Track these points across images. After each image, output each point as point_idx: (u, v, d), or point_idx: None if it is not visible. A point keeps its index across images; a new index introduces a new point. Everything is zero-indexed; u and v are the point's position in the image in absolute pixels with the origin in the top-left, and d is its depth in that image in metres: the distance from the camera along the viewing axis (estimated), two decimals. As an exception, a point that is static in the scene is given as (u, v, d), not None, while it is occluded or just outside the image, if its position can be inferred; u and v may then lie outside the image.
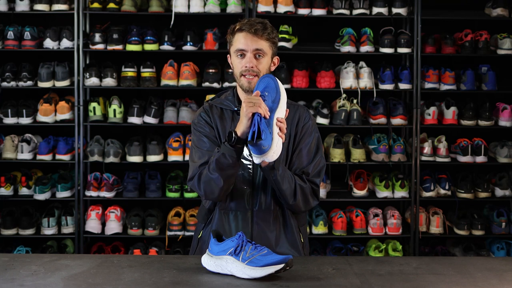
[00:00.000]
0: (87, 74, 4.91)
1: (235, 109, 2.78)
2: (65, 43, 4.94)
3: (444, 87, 5.02)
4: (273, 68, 2.81)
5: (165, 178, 5.04)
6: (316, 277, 2.35)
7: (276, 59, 2.82)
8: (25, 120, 4.94)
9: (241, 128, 2.54)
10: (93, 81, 4.91)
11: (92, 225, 4.85)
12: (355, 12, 4.96)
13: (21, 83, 4.95)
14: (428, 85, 5.02)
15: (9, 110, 4.92)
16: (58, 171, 5.11)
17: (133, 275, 2.37)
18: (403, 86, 4.99)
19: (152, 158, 4.92)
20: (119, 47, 4.94)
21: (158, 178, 5.00)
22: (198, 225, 2.90)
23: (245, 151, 2.72)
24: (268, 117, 2.51)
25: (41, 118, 4.92)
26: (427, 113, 5.02)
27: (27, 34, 4.90)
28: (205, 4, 4.93)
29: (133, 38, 4.91)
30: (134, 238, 4.97)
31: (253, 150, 2.50)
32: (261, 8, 4.87)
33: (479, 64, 5.17)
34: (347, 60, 5.07)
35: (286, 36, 4.93)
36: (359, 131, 5.17)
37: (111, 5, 4.89)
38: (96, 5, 4.88)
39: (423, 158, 5.00)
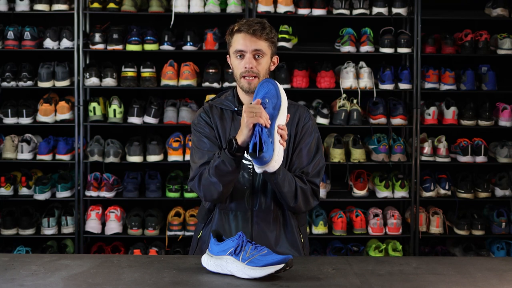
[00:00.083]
0: (87, 74, 4.91)
1: (235, 109, 2.78)
2: (65, 43, 4.94)
3: (444, 87, 5.02)
4: (272, 68, 2.81)
5: (165, 178, 5.04)
6: (316, 277, 2.34)
7: (275, 59, 2.82)
8: (25, 120, 4.94)
9: (241, 137, 2.54)
10: (93, 81, 4.91)
11: (92, 225, 4.85)
12: (355, 12, 4.96)
13: (21, 83, 4.95)
14: (428, 85, 5.02)
15: (9, 110, 4.92)
16: (58, 171, 5.11)
17: (133, 275, 2.37)
18: (403, 86, 4.99)
19: (152, 158, 4.92)
20: (119, 47, 4.94)
21: (158, 178, 5.00)
22: (198, 225, 2.90)
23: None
24: (269, 126, 2.50)
25: (41, 118, 4.92)
26: (427, 113, 5.02)
27: (27, 34, 4.90)
28: (205, 4, 4.93)
29: (133, 38, 4.91)
30: (134, 238, 4.97)
31: (255, 161, 2.51)
32: (261, 8, 4.87)
33: (479, 64, 5.17)
34: (347, 60, 5.07)
35: (286, 36, 4.93)
36: (359, 131, 5.17)
37: (111, 5, 4.89)
38: (96, 5, 4.88)
39: (423, 158, 5.00)
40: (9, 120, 4.94)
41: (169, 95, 5.21)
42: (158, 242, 4.96)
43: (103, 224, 4.91)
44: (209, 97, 4.86)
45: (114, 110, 4.92)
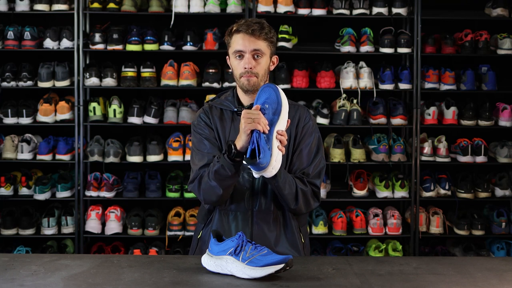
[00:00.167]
0: (87, 74, 4.91)
1: (235, 109, 2.78)
2: (65, 43, 4.94)
3: (444, 87, 5.02)
4: (272, 68, 2.80)
5: (165, 178, 5.04)
6: (316, 277, 2.34)
7: (275, 58, 2.81)
8: (25, 120, 4.94)
9: (240, 143, 2.53)
10: (93, 81, 4.91)
11: (92, 225, 4.85)
12: (355, 12, 4.96)
13: (21, 83, 4.95)
14: (428, 85, 5.02)
15: (9, 110, 4.92)
16: (58, 171, 5.11)
17: (133, 275, 2.37)
18: (403, 86, 4.99)
19: (152, 158, 4.92)
20: (119, 47, 4.94)
21: (158, 178, 5.00)
22: (198, 225, 2.90)
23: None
24: (267, 132, 2.50)
25: (41, 118, 4.92)
26: (427, 113, 5.02)
27: (27, 34, 4.90)
28: (205, 4, 4.93)
29: (133, 38, 4.91)
30: (134, 238, 4.97)
31: (252, 167, 2.51)
32: (261, 8, 4.87)
33: (479, 64, 5.17)
34: (347, 60, 5.07)
35: (286, 36, 4.93)
36: (359, 131, 5.17)
37: (111, 5, 4.89)
38: (96, 5, 4.88)
39: (423, 158, 5.00)
40: (9, 120, 4.94)
41: (169, 95, 5.21)
42: (158, 242, 4.95)
43: (103, 224, 4.91)
44: (209, 97, 4.86)
45: (114, 110, 4.92)
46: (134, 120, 4.94)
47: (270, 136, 2.50)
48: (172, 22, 4.91)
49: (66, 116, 4.93)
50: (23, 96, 5.13)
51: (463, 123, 5.04)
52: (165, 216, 5.05)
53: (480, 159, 4.97)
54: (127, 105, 5.02)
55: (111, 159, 4.90)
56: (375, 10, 4.98)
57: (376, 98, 5.01)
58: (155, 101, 4.99)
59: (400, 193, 4.96)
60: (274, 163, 2.49)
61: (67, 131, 5.10)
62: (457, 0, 5.26)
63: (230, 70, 2.80)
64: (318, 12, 4.95)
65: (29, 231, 4.87)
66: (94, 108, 4.90)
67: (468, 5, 5.23)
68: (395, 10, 5.00)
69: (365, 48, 4.97)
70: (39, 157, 4.91)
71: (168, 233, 4.90)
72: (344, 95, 4.98)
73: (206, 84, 4.92)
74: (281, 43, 4.91)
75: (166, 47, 4.95)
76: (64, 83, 4.95)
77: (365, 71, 5.00)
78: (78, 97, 4.91)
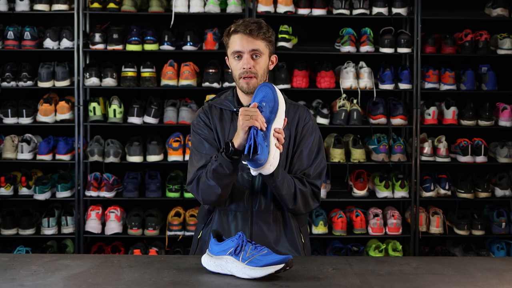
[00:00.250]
0: (87, 74, 4.91)
1: (234, 109, 2.77)
2: (65, 43, 4.94)
3: (444, 87, 5.02)
4: (271, 67, 2.80)
5: (165, 178, 5.04)
6: (316, 277, 2.35)
7: (274, 58, 2.80)
8: (25, 120, 4.94)
9: (238, 140, 2.54)
10: (93, 81, 4.91)
11: (92, 225, 4.85)
12: (355, 12, 4.96)
13: (21, 83, 4.95)
14: (428, 85, 5.02)
15: (9, 110, 4.92)
16: (58, 171, 5.11)
17: (133, 275, 2.37)
18: (403, 86, 4.99)
19: (152, 158, 4.92)
20: (119, 47, 4.94)
21: (158, 178, 5.00)
22: (198, 226, 2.90)
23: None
24: (265, 129, 2.50)
25: (41, 118, 4.92)
26: (427, 113, 5.02)
27: (27, 34, 4.90)
28: (205, 4, 4.93)
29: (133, 38, 4.91)
30: (134, 238, 4.97)
31: (250, 163, 2.51)
32: (261, 8, 4.87)
33: (479, 64, 5.17)
34: (347, 60, 5.07)
35: (286, 36, 4.93)
36: (359, 131, 5.17)
37: (111, 5, 4.89)
38: (96, 5, 4.88)
39: (423, 158, 5.00)
40: (9, 120, 4.94)
41: (169, 95, 5.21)
42: (158, 242, 4.95)
43: (103, 224, 4.91)
44: (209, 97, 4.86)
45: (114, 110, 4.92)
46: (134, 120, 4.94)
47: (267, 133, 2.51)
48: (172, 22, 4.91)
49: (66, 116, 4.93)
50: (23, 96, 5.13)
51: (463, 123, 5.04)
52: (165, 216, 5.05)
53: (480, 159, 4.97)
54: (127, 105, 5.02)
55: (111, 159, 4.90)
56: (375, 10, 4.98)
57: (376, 98, 5.01)
58: (155, 101, 4.99)
59: (400, 193, 4.96)
60: (272, 160, 2.49)
61: (67, 131, 5.10)
62: (457, 0, 5.26)
63: (230, 70, 2.80)
64: (318, 12, 4.95)
65: (29, 231, 4.87)
66: (94, 108, 4.91)
67: (468, 5, 5.23)
68: (395, 10, 5.00)
69: (365, 48, 4.97)
70: (39, 157, 4.91)
71: (168, 233, 4.90)
72: (344, 95, 4.98)
73: (206, 84, 4.92)
74: (281, 43, 4.91)
75: (166, 47, 4.95)
76: (64, 83, 4.95)
77: (365, 71, 5.00)
78: (78, 97, 4.91)
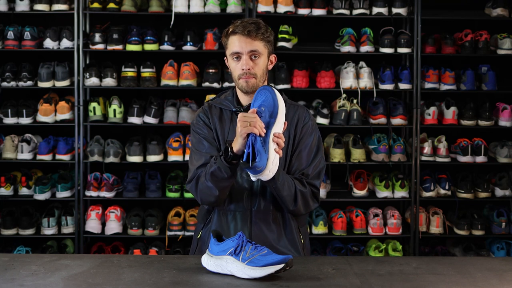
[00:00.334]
0: (87, 74, 4.91)
1: (234, 109, 2.77)
2: (65, 43, 4.94)
3: (444, 87, 5.02)
4: (270, 67, 2.79)
5: (165, 178, 5.04)
6: (316, 277, 2.34)
7: (273, 58, 2.80)
8: (25, 120, 4.94)
9: (236, 146, 2.53)
10: (93, 81, 4.91)
11: (92, 225, 4.85)
12: (355, 12, 4.96)
13: (21, 83, 4.95)
14: (428, 85, 5.02)
15: (9, 110, 4.92)
16: (58, 171, 5.11)
17: (133, 275, 2.37)
18: (403, 86, 4.99)
19: (152, 158, 4.92)
20: (119, 47, 4.94)
21: (158, 178, 5.00)
22: (197, 226, 2.90)
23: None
24: (264, 135, 2.48)
25: (41, 118, 4.92)
26: (427, 113, 5.02)
27: (27, 34, 4.90)
28: (205, 4, 4.93)
29: (133, 38, 4.91)
30: (134, 238, 4.97)
31: (249, 170, 2.50)
32: (261, 8, 4.87)
33: (479, 64, 5.17)
34: (347, 60, 5.07)
35: (286, 36, 4.93)
36: (359, 131, 5.17)
37: (111, 5, 4.89)
38: (96, 5, 4.88)
39: (423, 158, 5.00)
40: (9, 120, 4.94)
41: (169, 95, 5.21)
42: (158, 242, 4.95)
43: (103, 224, 4.91)
44: (209, 97, 4.86)
45: (114, 110, 4.92)
46: (134, 120, 4.94)
47: (266, 139, 2.49)
48: (172, 22, 4.91)
49: (66, 116, 4.93)
50: (23, 96, 5.13)
51: (463, 123, 5.04)
52: (165, 216, 5.05)
53: (480, 159, 4.97)
54: (127, 105, 5.02)
55: (111, 159, 4.90)
56: (375, 10, 4.98)
57: (376, 98, 5.01)
58: (155, 101, 4.99)
59: (400, 193, 4.96)
60: (271, 166, 2.48)
61: (67, 131, 5.10)
62: (457, 0, 5.26)
63: (229, 70, 2.80)
64: (318, 12, 4.95)
65: (29, 231, 4.87)
66: (94, 108, 4.91)
67: (468, 5, 5.23)
68: (395, 10, 5.00)
69: (365, 48, 4.97)
70: (39, 157, 4.91)
71: (168, 233, 4.90)
72: (344, 95, 4.98)
73: (206, 84, 4.92)
74: (281, 43, 4.91)
75: (166, 47, 4.95)
76: (64, 83, 4.95)
77: (365, 71, 5.00)
78: (78, 97, 4.91)
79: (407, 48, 4.97)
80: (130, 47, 4.93)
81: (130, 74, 4.94)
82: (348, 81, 4.96)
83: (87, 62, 5.07)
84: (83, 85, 4.92)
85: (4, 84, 4.95)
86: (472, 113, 5.02)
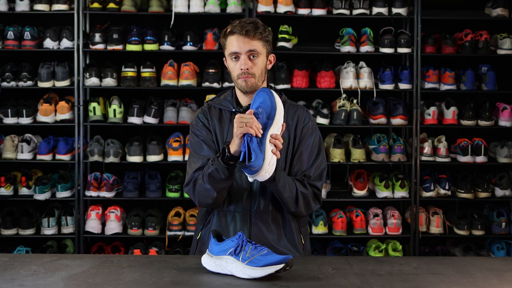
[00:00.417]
0: (87, 74, 4.91)
1: (233, 110, 2.77)
2: (65, 43, 4.94)
3: (444, 87, 5.02)
4: (269, 67, 2.78)
5: (165, 178, 5.04)
6: (316, 277, 2.34)
7: (272, 57, 2.79)
8: (25, 120, 4.94)
9: (233, 147, 2.54)
10: (93, 81, 4.91)
11: (92, 225, 4.85)
12: (355, 12, 4.96)
13: (21, 83, 4.95)
14: (428, 85, 5.02)
15: (9, 110, 4.92)
16: (58, 171, 5.11)
17: (133, 275, 2.37)
18: (403, 86, 4.99)
19: (152, 158, 4.92)
20: (119, 47, 4.94)
21: (158, 178, 5.00)
22: (197, 226, 2.89)
23: None
24: (260, 135, 2.48)
25: (41, 118, 4.92)
26: (427, 113, 5.02)
27: (27, 34, 4.90)
28: (205, 4, 4.93)
29: (133, 38, 4.91)
30: (134, 238, 4.97)
31: (245, 170, 2.50)
32: (261, 8, 4.87)
33: (479, 64, 5.17)
34: (347, 60, 5.07)
35: (286, 36, 4.93)
36: (359, 131, 5.17)
37: (111, 5, 4.89)
38: (96, 5, 4.88)
39: (423, 158, 5.00)
40: (9, 120, 4.94)
41: (169, 95, 5.21)
42: (158, 242, 4.95)
43: (103, 224, 4.91)
44: (209, 97, 4.86)
45: (114, 110, 4.92)
46: (134, 120, 4.94)
47: (263, 139, 2.49)
48: (172, 22, 4.91)
49: (66, 116, 4.93)
50: (23, 96, 5.13)
51: (463, 123, 5.04)
52: (165, 216, 5.05)
53: (480, 159, 4.97)
54: (127, 105, 5.02)
55: (111, 159, 4.90)
56: (375, 10, 4.98)
57: (376, 98, 5.01)
58: (155, 101, 4.99)
59: (400, 193, 4.96)
60: (267, 167, 2.48)
61: (67, 131, 5.10)
62: (457, 0, 5.26)
63: (229, 71, 2.80)
64: (318, 12, 4.95)
65: (29, 231, 4.87)
66: (94, 108, 4.91)
67: (468, 5, 5.23)
68: (395, 10, 5.00)
69: (365, 48, 4.97)
70: (39, 157, 4.91)
71: (168, 233, 4.90)
72: (344, 95, 4.98)
73: (206, 84, 4.92)
74: (281, 43, 4.91)
75: (166, 47, 4.95)
76: (64, 83, 4.95)
77: (365, 71, 5.00)
78: (78, 97, 4.91)
79: (407, 48, 4.97)
80: (130, 47, 4.93)
81: (130, 74, 4.94)
82: (348, 81, 4.96)
83: (87, 62, 5.07)
84: (83, 85, 4.92)
85: (4, 84, 4.95)
86: (472, 113, 5.02)
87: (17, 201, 5.00)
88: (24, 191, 4.92)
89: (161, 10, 4.94)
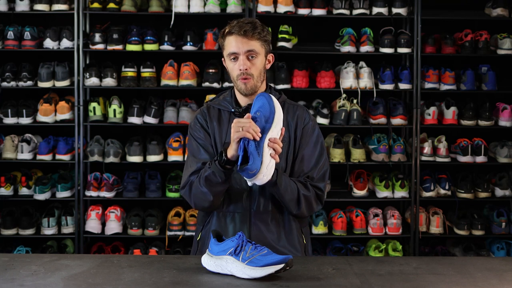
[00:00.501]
0: (87, 74, 4.91)
1: (232, 110, 2.77)
2: (65, 43, 4.94)
3: (444, 87, 5.02)
4: (268, 66, 2.78)
5: (165, 178, 5.04)
6: (316, 277, 2.34)
7: (270, 57, 2.78)
8: (25, 120, 4.94)
9: (230, 151, 2.53)
10: (93, 81, 4.91)
11: (92, 225, 4.85)
12: (355, 12, 4.96)
13: (21, 83, 4.95)
14: (428, 85, 5.02)
15: (9, 110, 4.92)
16: (58, 171, 5.11)
17: (133, 275, 2.37)
18: (403, 86, 4.99)
19: (152, 158, 4.92)
20: (119, 47, 4.94)
21: (158, 178, 5.00)
22: (197, 228, 2.89)
23: None
24: (258, 139, 2.48)
25: (41, 118, 4.92)
26: (427, 113, 5.02)
27: (27, 34, 4.90)
28: (205, 4, 4.93)
29: (133, 38, 4.91)
30: (134, 238, 4.97)
31: (242, 174, 2.49)
32: (261, 8, 4.87)
33: (479, 64, 5.17)
34: (347, 60, 5.07)
35: (286, 36, 4.93)
36: (359, 131, 5.17)
37: (111, 5, 4.89)
38: (96, 5, 4.88)
39: (423, 158, 5.00)
40: (9, 120, 4.94)
41: (169, 95, 5.21)
42: (158, 242, 4.95)
43: (103, 224, 4.91)
44: (209, 97, 4.86)
45: (114, 110, 4.92)
46: (134, 120, 4.94)
47: (261, 143, 2.48)
48: (172, 22, 4.91)
49: (66, 116, 4.93)
50: (23, 96, 5.13)
51: (463, 123, 5.04)
52: (165, 216, 5.05)
53: (480, 159, 4.97)
54: (127, 105, 5.02)
55: (111, 159, 4.90)
56: (375, 10, 4.98)
57: (376, 98, 5.01)
58: (155, 101, 4.99)
59: (400, 193, 4.96)
60: (265, 171, 2.47)
61: (67, 131, 5.10)
62: (457, 0, 5.26)
63: (228, 71, 2.79)
64: (318, 12, 4.95)
65: (29, 231, 4.87)
66: (94, 108, 4.91)
67: (468, 5, 5.23)
68: (395, 10, 5.00)
69: (365, 48, 4.97)
70: (39, 157, 4.91)
71: (168, 233, 4.90)
72: (344, 95, 4.98)
73: (206, 84, 4.92)
74: (281, 43, 4.91)
75: (166, 47, 4.95)
76: (64, 83, 4.95)
77: (365, 71, 5.00)
78: (78, 97, 4.91)
79: (407, 48, 4.97)
80: (130, 47, 4.93)
81: (130, 74, 4.94)
82: (348, 81, 4.96)
83: (87, 62, 5.08)
84: (83, 85, 4.92)
85: (4, 84, 4.95)
86: (472, 113, 5.02)
87: (17, 201, 5.00)
88: (24, 191, 4.92)
89: (161, 10, 4.94)
